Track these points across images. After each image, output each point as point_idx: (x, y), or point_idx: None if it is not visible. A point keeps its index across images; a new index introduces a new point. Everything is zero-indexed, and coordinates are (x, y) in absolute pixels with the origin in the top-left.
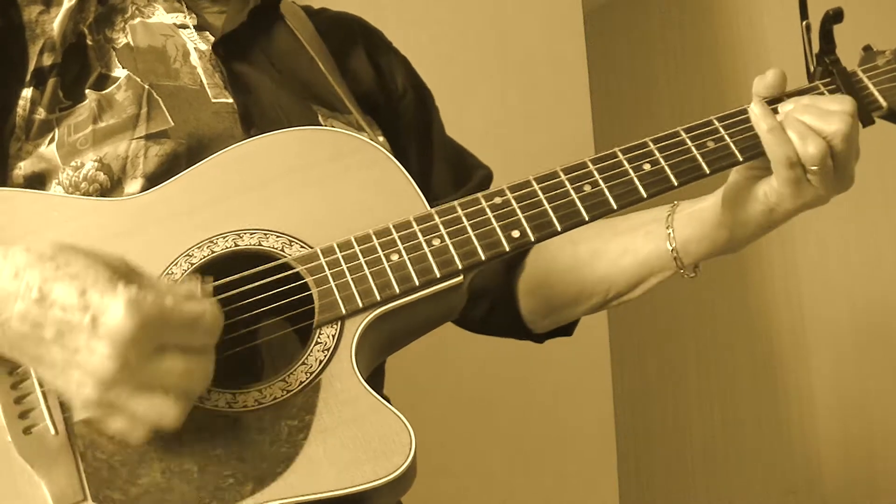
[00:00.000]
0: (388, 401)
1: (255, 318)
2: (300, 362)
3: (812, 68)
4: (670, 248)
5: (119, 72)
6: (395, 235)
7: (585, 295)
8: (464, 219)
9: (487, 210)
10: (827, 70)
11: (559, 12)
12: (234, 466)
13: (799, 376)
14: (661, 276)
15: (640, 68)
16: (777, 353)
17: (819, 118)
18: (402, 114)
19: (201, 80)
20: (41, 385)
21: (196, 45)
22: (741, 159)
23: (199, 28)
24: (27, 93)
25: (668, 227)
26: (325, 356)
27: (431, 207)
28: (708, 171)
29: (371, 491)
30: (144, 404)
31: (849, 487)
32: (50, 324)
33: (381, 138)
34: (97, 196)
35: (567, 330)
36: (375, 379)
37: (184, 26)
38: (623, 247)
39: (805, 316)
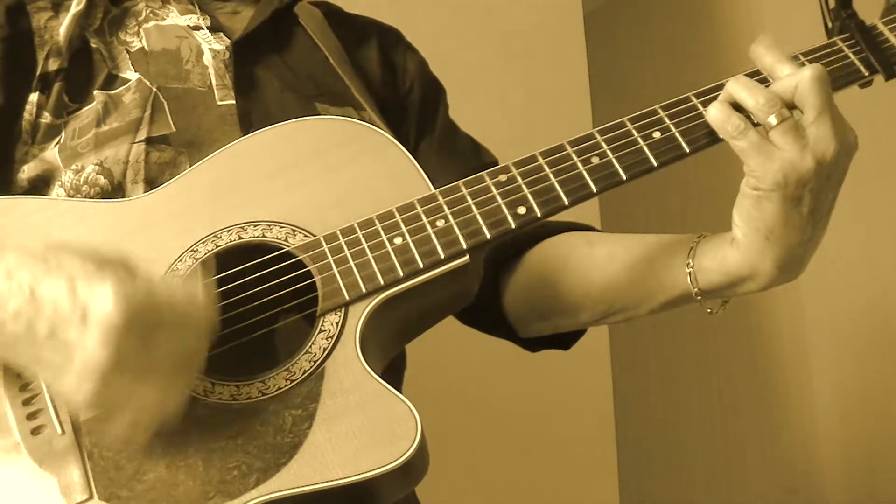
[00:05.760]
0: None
1: (259, 309)
2: (304, 351)
3: (830, 24)
4: (686, 262)
5: (131, 74)
6: (399, 218)
7: (590, 301)
8: (468, 197)
9: (492, 188)
10: (845, 25)
11: (559, 12)
12: (238, 459)
13: (799, 376)
14: (669, 295)
15: (640, 68)
16: (777, 353)
17: (785, 66)
18: (407, 109)
19: (210, 82)
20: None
21: (210, 45)
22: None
23: (213, 29)
24: (33, 97)
25: (692, 244)
26: (329, 344)
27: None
28: (721, 138)
29: (378, 478)
30: (145, 392)
31: (850, 487)
32: (42, 321)
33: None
34: (98, 199)
35: (565, 343)
36: (395, 377)
37: (197, 27)
38: (641, 256)
39: (805, 316)
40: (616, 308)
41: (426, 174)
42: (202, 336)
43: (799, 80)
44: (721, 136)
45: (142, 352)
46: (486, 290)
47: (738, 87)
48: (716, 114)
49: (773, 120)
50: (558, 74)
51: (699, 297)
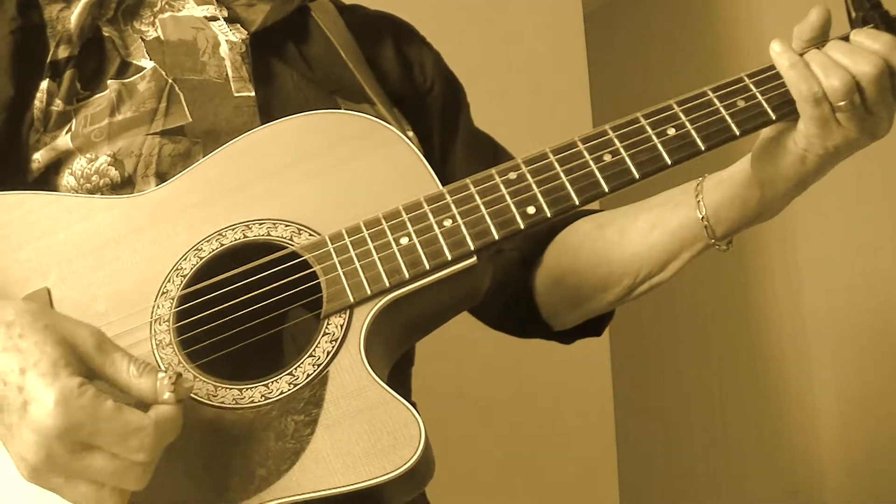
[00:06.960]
0: (415, 406)
1: (263, 311)
2: (307, 354)
3: (853, 15)
4: (700, 216)
5: (146, 62)
6: (405, 217)
7: (614, 278)
8: (476, 196)
9: (501, 186)
10: (868, 15)
11: (559, 12)
12: (239, 465)
13: (799, 377)
14: (692, 250)
15: (640, 68)
16: (777, 353)
17: (847, 55)
18: (429, 106)
19: (227, 74)
20: None
21: (227, 36)
22: (774, 118)
23: (230, 20)
24: (44, 85)
25: (697, 195)
26: (333, 347)
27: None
28: (738, 133)
29: (380, 486)
30: (76, 493)
31: (850, 489)
32: None
33: (409, 133)
34: (107, 190)
35: (596, 330)
36: (403, 386)
37: (213, 18)
38: (651, 222)
39: (805, 316)
40: (642, 277)
41: (454, 177)
42: (144, 459)
43: (859, 74)
44: (792, 94)
45: (74, 460)
46: (519, 291)
47: (816, 64)
48: (795, 73)
49: (844, 105)
50: (558, 74)
51: (718, 246)
